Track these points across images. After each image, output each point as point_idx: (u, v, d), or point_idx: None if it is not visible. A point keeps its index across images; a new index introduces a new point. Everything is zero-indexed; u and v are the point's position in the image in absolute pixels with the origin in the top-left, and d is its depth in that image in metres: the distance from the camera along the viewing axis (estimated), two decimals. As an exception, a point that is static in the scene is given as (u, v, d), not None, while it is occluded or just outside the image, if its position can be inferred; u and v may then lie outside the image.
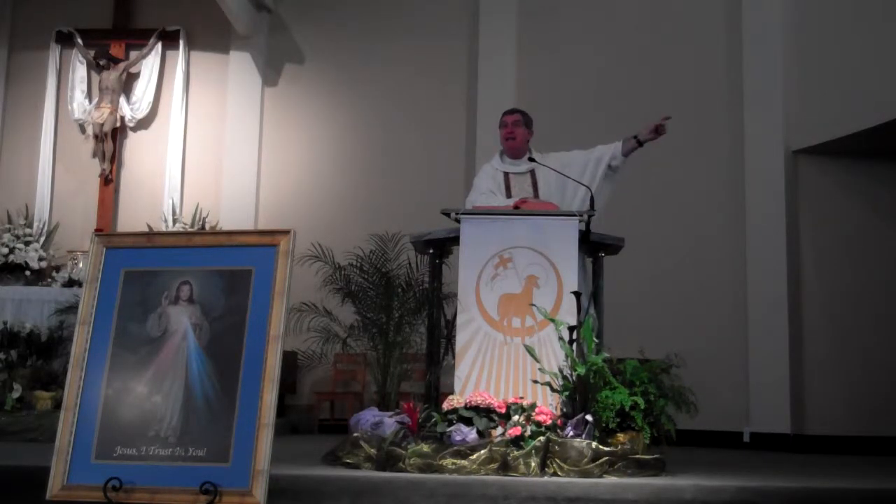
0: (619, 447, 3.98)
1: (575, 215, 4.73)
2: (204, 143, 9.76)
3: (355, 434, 4.36)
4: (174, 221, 9.39)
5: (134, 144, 9.85)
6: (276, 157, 9.67)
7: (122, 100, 9.73)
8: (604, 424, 4.07)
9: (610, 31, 8.62)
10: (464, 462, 3.89)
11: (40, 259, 9.30)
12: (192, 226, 9.25)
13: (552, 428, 4.06)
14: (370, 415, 4.58)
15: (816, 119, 7.18)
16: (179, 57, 9.82)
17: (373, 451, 4.11)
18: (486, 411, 4.19)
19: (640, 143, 5.22)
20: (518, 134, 5.29)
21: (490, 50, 9.25)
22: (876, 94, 6.68)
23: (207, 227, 9.22)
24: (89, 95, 9.80)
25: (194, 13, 9.79)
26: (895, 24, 6.64)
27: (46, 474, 3.21)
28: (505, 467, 3.85)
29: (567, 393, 4.19)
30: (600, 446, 3.94)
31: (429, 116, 9.45)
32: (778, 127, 7.39)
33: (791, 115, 7.37)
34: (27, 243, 9.29)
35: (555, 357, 4.38)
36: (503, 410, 4.20)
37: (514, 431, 4.02)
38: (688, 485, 3.61)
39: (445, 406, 4.30)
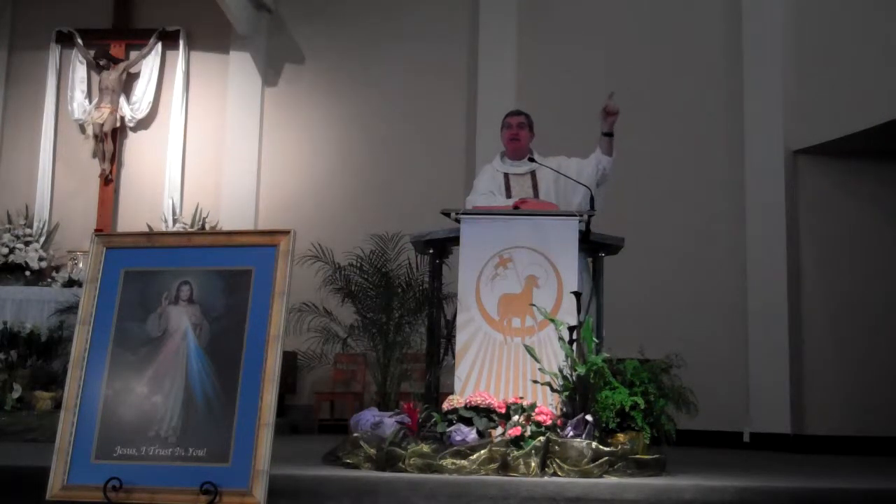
0: (619, 447, 3.98)
1: (575, 215, 4.73)
2: (204, 144, 9.76)
3: (355, 434, 4.36)
4: (174, 221, 9.39)
5: (134, 144, 9.85)
6: (276, 157, 9.67)
7: (122, 100, 9.73)
8: (604, 424, 4.06)
9: (609, 33, 8.62)
10: (464, 462, 3.89)
11: (40, 259, 9.30)
12: (192, 226, 9.25)
13: (552, 428, 4.06)
14: (370, 415, 4.58)
15: (816, 119, 7.18)
16: (179, 57, 9.83)
17: (373, 451, 4.11)
18: (486, 411, 4.19)
19: (608, 134, 5.15)
20: (522, 136, 5.29)
21: (490, 50, 9.24)
22: (876, 94, 6.68)
23: (207, 227, 9.22)
24: (89, 95, 9.81)
25: (194, 13, 9.78)
26: (895, 24, 6.64)
27: (46, 474, 3.21)
28: (505, 467, 3.85)
29: (567, 393, 4.19)
30: (600, 446, 3.94)
31: (429, 116, 9.45)
32: (778, 127, 7.39)
33: (791, 115, 7.37)
34: (27, 243, 9.30)
35: (555, 357, 4.38)
36: (503, 410, 4.20)
37: (514, 431, 4.01)
38: (688, 485, 3.60)
39: (445, 406, 4.30)
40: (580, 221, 4.70)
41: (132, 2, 10.02)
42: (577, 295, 4.55)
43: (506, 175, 5.28)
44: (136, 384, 3.29)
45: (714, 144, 7.92)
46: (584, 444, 3.93)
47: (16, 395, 6.78)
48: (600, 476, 3.82)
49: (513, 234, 4.67)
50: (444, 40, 9.54)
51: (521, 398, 4.28)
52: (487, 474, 3.83)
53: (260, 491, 3.03)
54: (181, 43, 9.83)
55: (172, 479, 3.12)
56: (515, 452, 3.89)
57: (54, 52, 9.89)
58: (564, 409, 4.25)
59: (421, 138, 9.42)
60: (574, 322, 4.41)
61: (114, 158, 9.63)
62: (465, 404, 4.23)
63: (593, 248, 4.92)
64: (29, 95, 9.90)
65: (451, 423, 4.17)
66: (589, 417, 4.06)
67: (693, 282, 7.77)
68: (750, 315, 7.42)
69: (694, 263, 7.80)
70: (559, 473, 3.83)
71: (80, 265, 9.10)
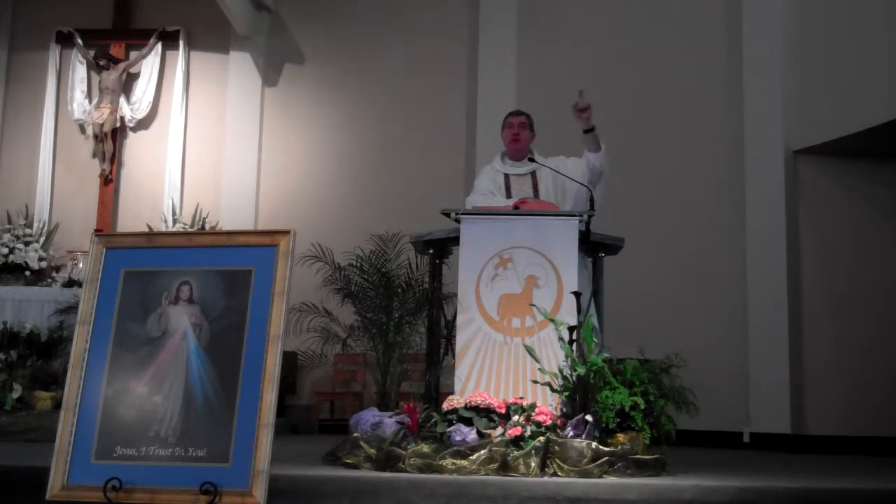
0: (619, 447, 3.98)
1: (575, 215, 4.73)
2: (204, 143, 9.76)
3: (355, 434, 4.36)
4: (174, 221, 9.39)
5: (134, 144, 9.85)
6: (276, 157, 9.67)
7: (122, 100, 9.73)
8: (604, 424, 4.06)
9: (610, 31, 8.62)
10: (464, 462, 3.89)
11: (40, 259, 9.30)
12: (192, 226, 9.25)
13: (552, 428, 4.06)
14: (370, 415, 4.58)
15: (816, 119, 7.18)
16: (179, 57, 9.83)
17: (373, 451, 4.11)
18: (486, 411, 4.19)
19: (588, 131, 5.13)
20: (523, 136, 5.29)
21: (490, 50, 9.25)
22: (876, 94, 6.68)
23: (207, 227, 9.22)
24: (89, 95, 9.81)
25: (194, 13, 9.79)
26: (895, 25, 6.64)
27: (46, 474, 3.21)
28: (505, 467, 3.85)
29: (567, 393, 4.19)
30: (600, 446, 3.93)
31: (429, 116, 9.45)
32: (778, 127, 7.39)
33: (791, 115, 7.36)
34: (27, 243, 9.29)
35: (555, 357, 4.38)
36: (503, 410, 4.20)
37: (513, 431, 4.01)
38: (688, 485, 3.60)
39: (445, 406, 4.30)
40: (580, 221, 4.70)
41: (132, 2, 10.02)
42: (577, 295, 4.55)
43: (506, 175, 5.28)
44: (136, 384, 3.29)
45: (714, 144, 7.92)
46: (584, 444, 3.92)
47: (16, 395, 6.77)
48: (600, 476, 3.82)
49: (513, 234, 4.67)
50: (444, 40, 9.55)
51: (521, 398, 4.27)
52: (487, 474, 3.83)
53: (260, 491, 3.03)
54: (181, 43, 9.83)
55: (172, 479, 3.12)
56: (515, 452, 3.89)
57: (54, 52, 9.89)
58: (564, 409, 4.24)
59: (421, 138, 9.42)
60: (574, 322, 4.41)
61: (114, 158, 9.63)
62: (465, 404, 4.23)
63: (593, 248, 4.92)
64: (29, 95, 9.90)
65: (451, 423, 4.17)
66: (589, 417, 4.06)
67: (693, 282, 7.77)
68: (750, 315, 7.42)
69: (694, 263, 7.79)
70: (559, 473, 3.83)
71: (80, 265, 9.10)
